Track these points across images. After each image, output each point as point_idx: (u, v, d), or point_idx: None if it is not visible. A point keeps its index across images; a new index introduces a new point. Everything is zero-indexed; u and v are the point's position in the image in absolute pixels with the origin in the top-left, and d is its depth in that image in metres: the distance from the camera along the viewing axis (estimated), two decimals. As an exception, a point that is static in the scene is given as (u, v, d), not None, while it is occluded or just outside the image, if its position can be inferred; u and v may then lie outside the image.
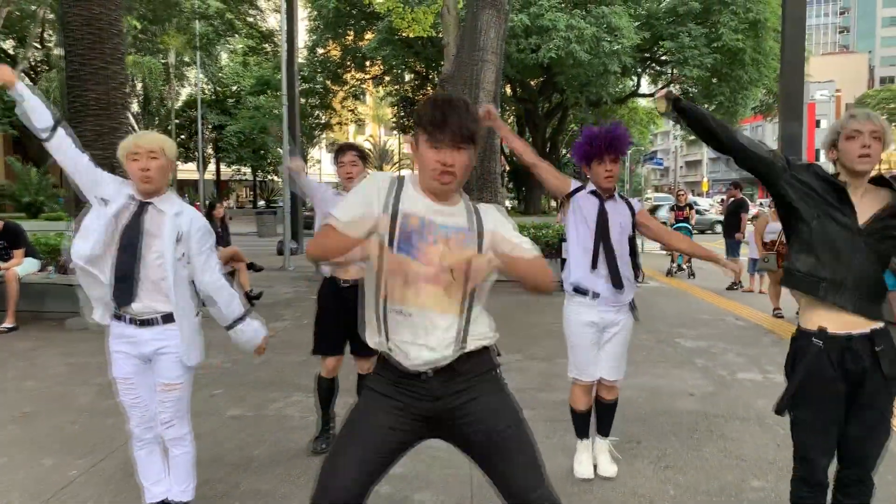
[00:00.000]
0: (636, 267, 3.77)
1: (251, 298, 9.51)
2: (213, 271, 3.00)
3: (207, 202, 12.87)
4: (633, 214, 3.79)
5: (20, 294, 8.08)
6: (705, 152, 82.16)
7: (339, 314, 3.94)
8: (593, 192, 3.69)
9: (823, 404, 2.51)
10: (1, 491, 3.59)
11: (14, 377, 5.89)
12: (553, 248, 11.57)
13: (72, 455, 4.06)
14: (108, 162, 9.28)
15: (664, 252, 17.63)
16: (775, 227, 8.66)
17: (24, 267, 8.23)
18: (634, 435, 4.53)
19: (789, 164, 2.59)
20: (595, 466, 3.89)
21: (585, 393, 3.84)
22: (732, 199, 13.04)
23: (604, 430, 3.98)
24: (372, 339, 2.15)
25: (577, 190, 3.75)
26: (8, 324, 7.78)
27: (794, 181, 2.55)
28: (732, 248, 12.40)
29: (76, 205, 9.12)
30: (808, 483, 2.59)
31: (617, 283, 3.61)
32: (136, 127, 42.82)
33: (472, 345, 2.12)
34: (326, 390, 4.18)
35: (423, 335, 2.07)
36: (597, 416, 3.96)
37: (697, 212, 18.35)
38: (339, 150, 4.21)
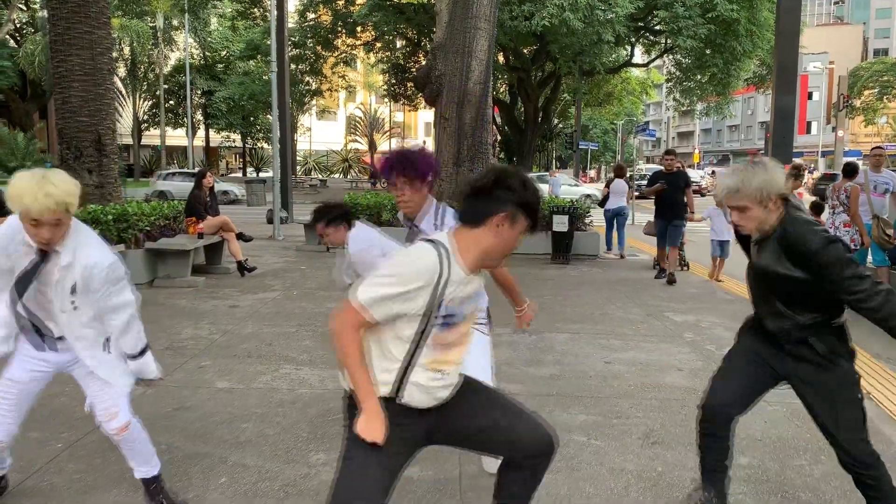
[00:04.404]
0: None
1: (245, 269, 9.44)
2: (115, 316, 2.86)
3: (197, 170, 12.69)
4: None
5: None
6: (697, 123, 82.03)
7: None
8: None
9: None
10: (-14, 464, 3.55)
11: None
12: (544, 220, 11.55)
13: (57, 428, 4.04)
14: (93, 129, 9.13)
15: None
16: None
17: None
18: (623, 411, 4.55)
19: None
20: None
21: None
22: (667, 171, 9.80)
23: None
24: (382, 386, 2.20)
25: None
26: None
27: None
28: (672, 235, 9.68)
29: (63, 168, 9.02)
30: None
31: None
32: (122, 92, 42.39)
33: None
34: None
35: (448, 381, 2.28)
36: None
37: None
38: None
